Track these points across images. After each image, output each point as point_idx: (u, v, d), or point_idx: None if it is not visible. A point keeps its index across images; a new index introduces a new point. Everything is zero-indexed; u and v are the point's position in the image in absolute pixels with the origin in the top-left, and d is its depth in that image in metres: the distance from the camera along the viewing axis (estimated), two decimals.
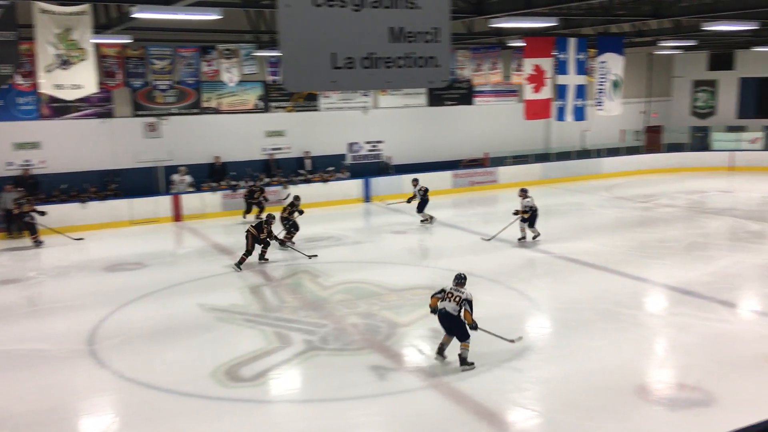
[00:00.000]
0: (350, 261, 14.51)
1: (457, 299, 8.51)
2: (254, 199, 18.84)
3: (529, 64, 19.23)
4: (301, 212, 15.81)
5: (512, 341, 9.09)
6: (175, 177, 19.84)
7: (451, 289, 8.64)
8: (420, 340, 9.75)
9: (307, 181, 21.34)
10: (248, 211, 18.95)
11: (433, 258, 14.84)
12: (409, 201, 17.33)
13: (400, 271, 13.55)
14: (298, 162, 22.05)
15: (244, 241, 13.77)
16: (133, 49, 18.84)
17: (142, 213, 18.93)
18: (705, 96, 29.63)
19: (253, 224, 14.06)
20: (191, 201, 19.59)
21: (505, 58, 22.87)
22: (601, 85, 20.07)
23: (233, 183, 20.25)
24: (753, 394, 7.72)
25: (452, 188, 22.96)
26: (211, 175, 20.49)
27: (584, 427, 7.15)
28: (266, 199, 18.88)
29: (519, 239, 15.35)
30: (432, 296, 8.83)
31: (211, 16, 11.98)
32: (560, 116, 20.06)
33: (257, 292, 12.24)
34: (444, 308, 8.59)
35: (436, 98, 24.36)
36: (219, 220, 19.22)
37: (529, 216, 15.20)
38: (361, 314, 10.84)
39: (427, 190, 17.49)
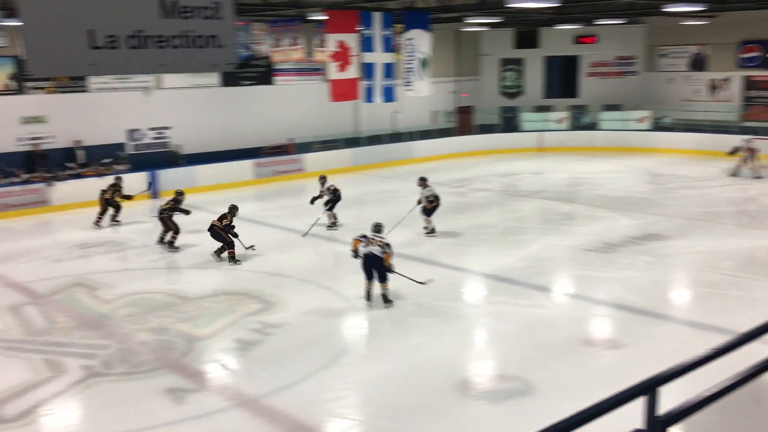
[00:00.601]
0: (136, 268, 13.83)
1: (381, 244, 10.82)
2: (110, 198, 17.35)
3: (332, 40, 19.48)
4: (186, 212, 15.13)
5: (423, 283, 11.39)
6: None
7: (372, 235, 10.96)
8: (224, 353, 9.53)
9: (78, 176, 19.96)
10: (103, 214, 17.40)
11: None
12: (312, 201, 16.69)
13: (197, 276, 13.16)
14: (67, 153, 20.56)
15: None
16: None
17: None
18: (513, 75, 31.98)
19: (217, 218, 13.90)
20: None
21: (307, 32, 22.98)
22: (410, 63, 20.88)
23: None
24: (570, 380, 8.46)
25: (254, 179, 22.70)
26: None
27: (405, 431, 7.42)
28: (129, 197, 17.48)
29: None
30: (354, 239, 11.03)
31: None
32: (368, 97, 20.58)
33: (18, 313, 11.25)
34: (370, 252, 10.79)
35: (231, 78, 23.87)
36: None
37: (432, 206, 15.47)
38: (151, 330, 10.37)
39: (337, 189, 16.74)
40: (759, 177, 21.09)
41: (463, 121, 30.48)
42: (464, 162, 26.51)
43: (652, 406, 2.53)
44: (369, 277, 11.02)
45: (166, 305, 11.43)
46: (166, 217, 15.05)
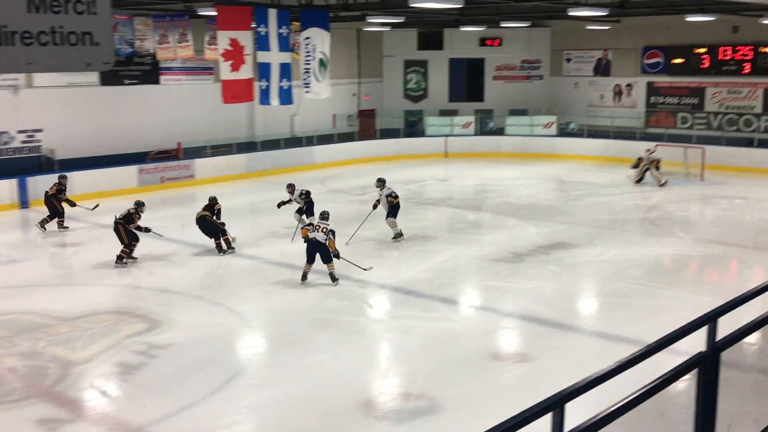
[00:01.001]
0: (3, 286, 13.18)
1: (324, 230, 12.46)
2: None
3: (224, 38, 19.19)
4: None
5: (366, 269, 12.97)
6: None
7: (318, 222, 12.67)
8: (103, 379, 9.20)
9: None
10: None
11: (118, 275, 14.09)
12: (279, 206, 16.48)
13: (73, 294, 12.67)
14: None
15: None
16: None
17: None
18: (417, 77, 32.45)
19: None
20: None
21: (196, 29, 22.58)
22: (308, 64, 20.83)
23: None
24: (478, 396, 8.61)
25: (139, 186, 22.06)
26: None
27: None
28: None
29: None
30: (302, 228, 12.99)
31: None
32: (264, 99, 20.38)
33: None
34: (314, 237, 12.41)
35: (111, 76, 23.12)
36: None
37: (396, 202, 15.82)
38: (21, 354, 9.90)
39: (309, 192, 16.64)
40: (663, 185, 22.17)
41: (366, 125, 30.68)
42: (366, 168, 26.64)
43: (559, 422, 2.60)
44: (310, 261, 12.66)
45: (37, 327, 10.94)
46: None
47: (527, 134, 29.41)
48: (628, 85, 30.05)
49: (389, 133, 30.00)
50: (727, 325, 3.63)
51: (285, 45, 20.19)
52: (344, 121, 30.21)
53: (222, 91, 19.67)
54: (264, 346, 10.58)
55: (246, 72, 19.69)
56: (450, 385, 8.88)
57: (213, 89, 23.50)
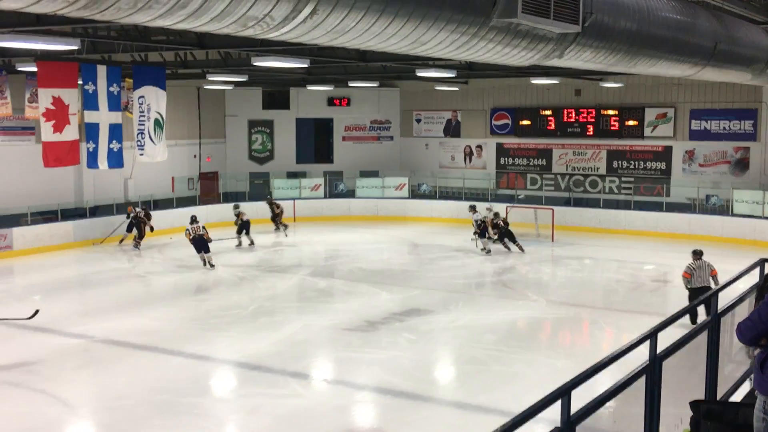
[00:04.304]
0: None
1: (200, 229, 17.31)
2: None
3: (46, 96, 18.44)
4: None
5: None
6: None
7: (193, 227, 18.24)
8: None
9: None
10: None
11: None
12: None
13: None
14: None
15: None
16: None
17: None
18: (262, 138, 32.46)
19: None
20: None
21: (15, 85, 21.65)
22: (142, 124, 20.34)
23: None
24: None
25: None
26: None
27: None
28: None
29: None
30: (185, 233, 16.59)
31: None
32: (92, 162, 19.66)
33: None
34: (198, 235, 18.97)
35: None
36: None
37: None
38: None
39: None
40: (484, 251, 22.58)
41: (208, 189, 30.22)
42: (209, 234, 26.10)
43: None
44: (199, 252, 19.48)
45: None
46: None
47: (379, 196, 29.93)
48: (479, 146, 31.38)
49: (234, 197, 29.63)
50: (584, 394, 3.74)
51: (116, 104, 19.66)
52: (184, 185, 29.62)
53: (43, 154, 18.79)
54: None
55: (71, 133, 18.94)
56: None
57: (34, 151, 22.38)
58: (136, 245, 23.22)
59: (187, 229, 20.27)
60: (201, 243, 19.90)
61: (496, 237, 22.64)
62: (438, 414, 10.51)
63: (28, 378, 11.77)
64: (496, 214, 23.20)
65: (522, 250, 22.18)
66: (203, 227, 20.18)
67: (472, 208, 23.38)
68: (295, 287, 18.71)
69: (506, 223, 22.71)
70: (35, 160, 21.16)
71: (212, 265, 19.92)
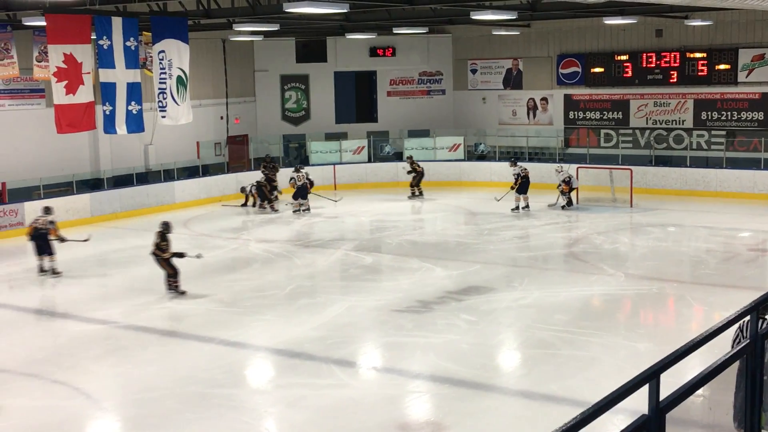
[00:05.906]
0: None
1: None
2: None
3: (56, 53, 18.68)
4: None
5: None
6: None
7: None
8: None
9: None
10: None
11: None
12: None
13: None
14: None
15: None
16: None
17: None
18: (296, 95, 32.53)
19: None
20: None
21: (21, 42, 22.00)
22: (163, 83, 20.51)
23: None
24: None
25: None
26: None
27: None
28: None
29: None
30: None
31: None
32: (109, 127, 19.88)
33: None
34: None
35: None
36: None
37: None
38: None
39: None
40: (563, 207, 23.16)
41: (237, 154, 30.45)
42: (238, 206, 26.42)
43: None
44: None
45: None
46: None
47: (430, 159, 29.82)
48: (544, 99, 31.08)
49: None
50: (670, 380, 3.72)
51: (134, 60, 19.82)
52: (210, 150, 29.87)
53: (55, 119, 19.07)
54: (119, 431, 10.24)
55: (85, 94, 19.19)
56: None
57: (45, 116, 22.81)
58: (271, 208, 25.41)
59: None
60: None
61: (567, 200, 22.94)
62: (502, 405, 10.53)
63: (45, 368, 12.07)
64: (569, 178, 23.16)
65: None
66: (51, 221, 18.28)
67: (513, 162, 24.53)
68: (337, 264, 18.82)
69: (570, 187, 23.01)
70: (46, 126, 21.57)
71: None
